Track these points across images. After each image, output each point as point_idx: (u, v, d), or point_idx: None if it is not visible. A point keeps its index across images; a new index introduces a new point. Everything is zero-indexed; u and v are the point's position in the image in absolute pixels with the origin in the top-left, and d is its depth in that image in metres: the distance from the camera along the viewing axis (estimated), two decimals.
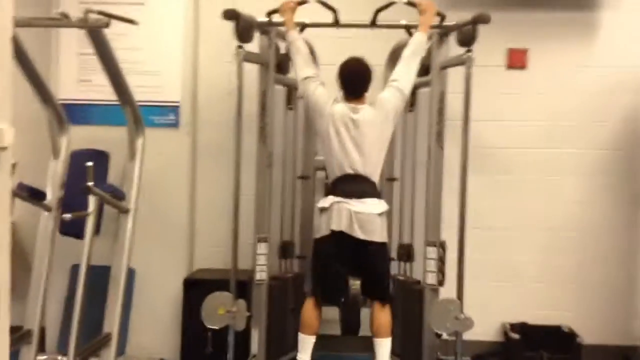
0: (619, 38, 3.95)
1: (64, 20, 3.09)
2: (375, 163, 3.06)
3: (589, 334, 3.76)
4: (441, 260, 3.31)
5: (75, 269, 3.80)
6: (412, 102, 3.69)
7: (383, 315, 3.05)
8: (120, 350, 3.48)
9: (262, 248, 3.31)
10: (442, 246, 3.31)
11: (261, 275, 3.31)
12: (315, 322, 3.03)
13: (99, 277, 3.34)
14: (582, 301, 3.97)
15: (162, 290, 3.87)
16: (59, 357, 3.67)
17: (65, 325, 3.75)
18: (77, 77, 3.92)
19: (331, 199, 3.01)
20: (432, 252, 3.31)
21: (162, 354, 3.79)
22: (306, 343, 3.04)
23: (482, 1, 3.67)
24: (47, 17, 3.41)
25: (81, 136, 3.74)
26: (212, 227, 3.99)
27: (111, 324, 3.41)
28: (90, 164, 3.03)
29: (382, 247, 3.08)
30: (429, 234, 3.36)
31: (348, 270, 3.07)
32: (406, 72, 3.10)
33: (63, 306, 3.80)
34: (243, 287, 3.31)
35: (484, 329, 3.79)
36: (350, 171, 3.01)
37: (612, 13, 3.93)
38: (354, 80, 3.11)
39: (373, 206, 3.00)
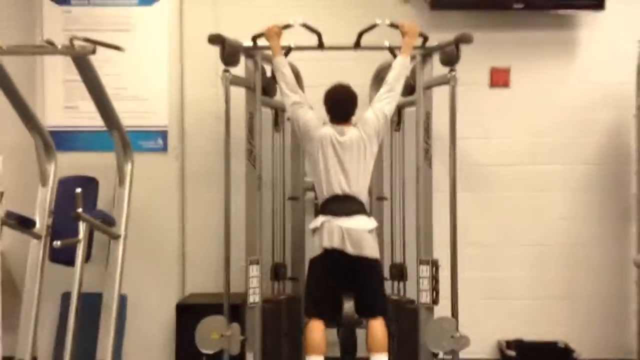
0: (597, 56, 4.04)
1: (50, 48, 3.10)
2: (362, 183, 3.09)
3: (583, 349, 3.78)
4: (434, 279, 3.31)
5: (66, 297, 3.75)
6: (398, 122, 3.74)
7: (378, 331, 3.02)
8: None
9: (254, 270, 3.29)
10: (434, 264, 3.31)
11: (254, 298, 3.28)
12: (320, 342, 2.97)
13: (91, 304, 3.31)
14: (575, 316, 4.00)
15: (155, 316, 3.83)
16: None
17: (57, 354, 3.69)
18: (63, 103, 3.93)
19: (321, 218, 3.03)
20: (425, 270, 3.31)
21: None
22: None
23: (465, 22, 3.79)
24: (33, 45, 3.43)
25: (69, 163, 3.73)
26: (202, 251, 3.98)
27: (104, 351, 3.36)
28: (79, 190, 3.02)
29: (375, 263, 3.09)
30: (421, 253, 3.36)
31: (342, 288, 3.07)
32: (390, 95, 3.15)
33: (55, 335, 3.74)
34: (236, 311, 3.27)
35: (480, 347, 3.79)
36: (338, 192, 3.04)
37: (590, 32, 4.04)
38: (340, 106, 3.17)
39: (363, 223, 3.02)
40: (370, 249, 3.02)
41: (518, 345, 3.80)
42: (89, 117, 3.87)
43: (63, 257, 3.43)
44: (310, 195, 3.91)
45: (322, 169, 3.07)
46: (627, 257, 3.94)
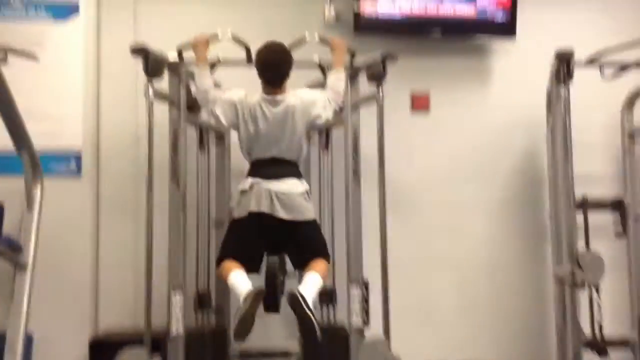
0: (510, 81, 4.23)
1: None
2: (295, 147, 2.94)
3: None
4: (365, 300, 3.26)
5: None
6: (326, 142, 3.71)
7: (319, 262, 2.84)
8: None
9: (177, 297, 3.09)
10: (365, 285, 3.26)
11: (177, 328, 3.06)
12: (236, 264, 2.75)
13: None
14: (500, 335, 4.03)
15: (65, 357, 3.49)
16: None
17: None
18: None
19: (250, 180, 2.87)
20: (356, 290, 3.24)
21: None
22: (239, 277, 2.72)
23: (386, 47, 3.77)
24: None
25: None
26: (117, 284, 3.72)
27: None
28: None
29: (313, 222, 2.94)
30: (352, 272, 3.28)
31: (266, 248, 2.89)
32: (330, 105, 3.05)
33: None
34: (156, 346, 3.05)
35: None
36: (268, 155, 2.90)
37: (503, 58, 4.23)
38: (274, 65, 2.93)
39: (294, 186, 2.87)
40: (306, 212, 2.88)
41: None
42: None
43: None
44: None
45: (252, 134, 2.91)
46: (545, 274, 4.06)
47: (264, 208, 2.79)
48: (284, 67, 2.94)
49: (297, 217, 2.84)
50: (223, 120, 2.98)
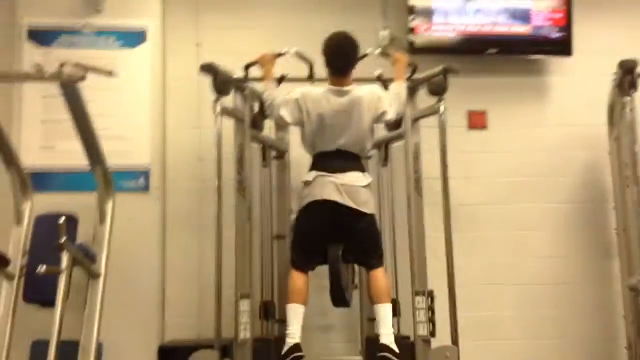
0: (567, 100, 4.23)
1: (36, 73, 3.03)
2: (359, 139, 3.00)
3: None
4: (430, 310, 3.24)
5: (36, 346, 3.48)
6: (385, 157, 3.76)
7: (381, 280, 2.89)
8: None
9: (244, 305, 3.14)
10: (430, 295, 3.25)
11: (244, 334, 3.11)
12: (303, 289, 2.81)
13: (62, 354, 2.98)
14: (565, 355, 3.94)
15: None
16: None
17: None
18: (40, 143, 3.80)
19: (314, 173, 2.93)
20: (421, 301, 3.24)
21: None
22: (296, 313, 2.80)
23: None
24: (19, 72, 3.33)
25: (44, 203, 3.55)
26: (182, 296, 3.82)
27: None
28: (62, 219, 2.87)
29: (372, 217, 2.98)
30: (416, 283, 3.29)
31: (331, 237, 2.92)
32: (392, 106, 3.10)
33: None
34: (223, 354, 3.09)
35: None
36: (332, 148, 2.95)
37: (561, 78, 4.24)
38: (341, 53, 3.00)
39: (357, 178, 2.92)
40: (367, 204, 2.91)
41: None
42: (66, 158, 3.77)
43: (40, 296, 3.22)
44: None
45: (317, 126, 2.96)
46: (611, 293, 3.97)
47: (327, 196, 2.84)
48: (352, 54, 3.01)
49: (361, 207, 2.88)
50: (288, 119, 3.06)
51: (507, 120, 4.20)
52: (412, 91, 3.48)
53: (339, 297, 2.96)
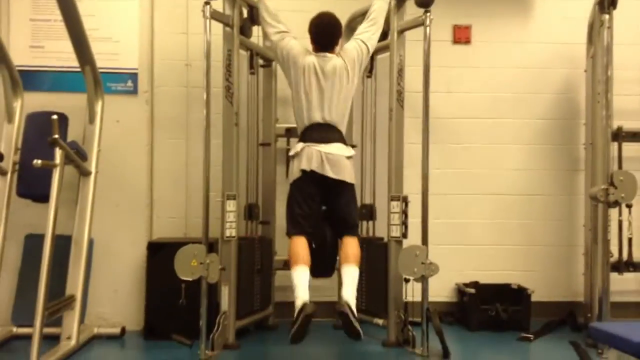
0: (551, 17, 4.29)
1: None
2: (342, 112, 3.16)
3: (536, 292, 3.95)
4: (404, 214, 3.44)
5: (30, 239, 3.66)
6: (370, 68, 3.84)
7: (353, 246, 3.09)
8: (80, 320, 3.36)
9: (230, 205, 3.33)
10: (404, 200, 3.44)
11: (230, 232, 3.31)
12: (304, 254, 3.00)
13: (55, 247, 3.06)
14: (529, 261, 4.22)
15: (123, 259, 3.79)
16: (14, 329, 3.52)
17: (19, 298, 3.59)
18: (28, 43, 3.82)
19: (301, 144, 3.09)
20: (396, 206, 3.44)
21: (124, 323, 3.69)
22: (300, 276, 2.92)
23: None
24: None
25: (34, 102, 3.64)
26: (170, 198, 3.96)
27: (74, 286, 3.31)
28: (55, 117, 2.97)
29: (352, 186, 3.16)
30: (393, 189, 3.48)
31: (320, 207, 3.13)
32: (372, 28, 3.25)
33: (16, 278, 3.62)
34: (210, 248, 3.28)
35: (439, 290, 3.98)
36: (319, 120, 3.10)
37: None
38: (325, 33, 3.19)
39: (341, 149, 3.09)
40: (349, 174, 3.10)
41: (475, 286, 3.96)
42: (55, 57, 3.81)
43: (33, 190, 3.36)
44: (281, 142, 3.98)
45: (304, 97, 3.12)
46: (576, 206, 4.20)
47: (314, 167, 3.01)
48: (336, 34, 3.22)
49: (345, 177, 3.06)
50: (273, 38, 3.22)
51: (490, 36, 4.27)
52: (400, 2, 3.53)
53: (321, 274, 3.16)
